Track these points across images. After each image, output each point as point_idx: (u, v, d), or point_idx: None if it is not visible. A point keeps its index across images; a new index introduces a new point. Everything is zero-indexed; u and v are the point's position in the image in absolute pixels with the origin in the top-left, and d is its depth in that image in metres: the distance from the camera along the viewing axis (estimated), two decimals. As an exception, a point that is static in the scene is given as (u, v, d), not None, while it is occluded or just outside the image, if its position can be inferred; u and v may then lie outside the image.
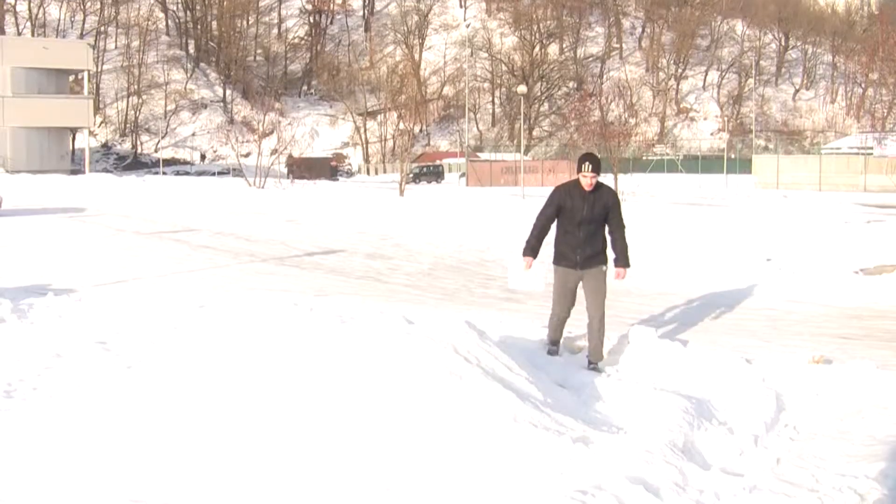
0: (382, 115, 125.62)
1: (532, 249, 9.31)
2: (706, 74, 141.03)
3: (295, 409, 6.49)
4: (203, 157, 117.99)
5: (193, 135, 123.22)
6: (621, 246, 9.25)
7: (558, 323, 9.40)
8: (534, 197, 47.10)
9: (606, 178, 39.32)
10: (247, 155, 66.47)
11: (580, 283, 9.26)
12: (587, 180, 8.96)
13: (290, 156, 61.92)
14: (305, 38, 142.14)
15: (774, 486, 5.90)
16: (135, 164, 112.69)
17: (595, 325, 9.04)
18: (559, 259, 9.28)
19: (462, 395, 6.51)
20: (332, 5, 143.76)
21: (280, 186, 48.96)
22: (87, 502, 5.46)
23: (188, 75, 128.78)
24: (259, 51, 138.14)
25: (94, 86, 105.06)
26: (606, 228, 9.27)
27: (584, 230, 9.09)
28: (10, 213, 27.02)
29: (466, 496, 5.56)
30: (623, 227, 9.30)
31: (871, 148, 70.08)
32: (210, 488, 5.68)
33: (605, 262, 9.26)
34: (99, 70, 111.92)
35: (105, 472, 5.93)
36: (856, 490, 5.69)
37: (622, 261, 9.32)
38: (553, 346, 9.44)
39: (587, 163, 8.98)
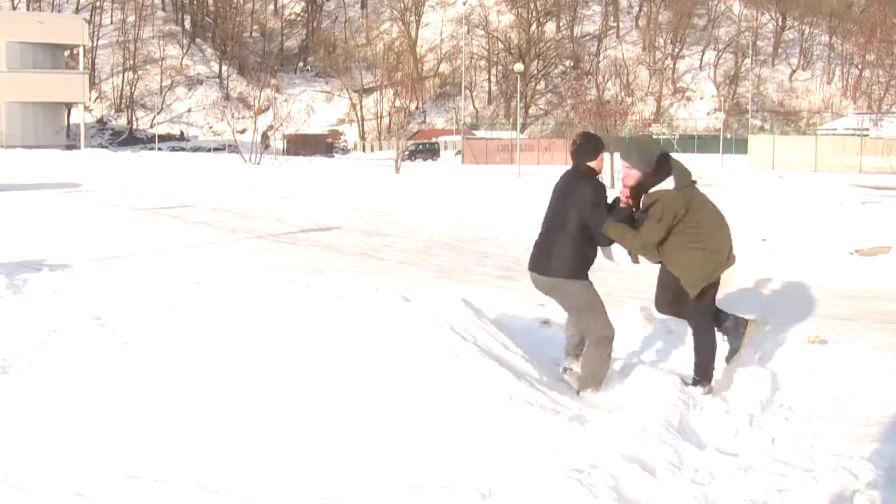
0: (378, 91, 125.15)
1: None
2: (703, 54, 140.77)
3: (291, 386, 6.50)
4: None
5: (189, 111, 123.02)
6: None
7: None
8: (529, 175, 47.09)
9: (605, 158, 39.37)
10: (242, 131, 66.17)
11: None
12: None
13: (265, 134, 61.78)
14: (302, 14, 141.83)
15: (769, 466, 5.91)
16: (130, 139, 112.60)
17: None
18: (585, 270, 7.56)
19: (458, 373, 6.52)
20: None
21: (276, 163, 48.86)
22: (84, 478, 5.46)
23: (184, 51, 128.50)
24: (255, 27, 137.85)
25: (90, 61, 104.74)
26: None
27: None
28: (5, 188, 26.97)
29: (462, 474, 5.57)
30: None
31: (867, 129, 70.11)
32: (206, 463, 5.69)
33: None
34: (94, 45, 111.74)
35: (101, 447, 5.93)
36: (850, 470, 5.70)
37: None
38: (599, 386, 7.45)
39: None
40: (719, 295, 8.08)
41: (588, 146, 7.62)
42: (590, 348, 7.39)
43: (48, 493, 5.23)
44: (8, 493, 5.23)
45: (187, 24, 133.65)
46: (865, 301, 13.02)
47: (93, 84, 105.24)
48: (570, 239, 7.36)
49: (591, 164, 7.58)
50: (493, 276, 14.70)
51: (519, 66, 72.78)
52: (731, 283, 13.86)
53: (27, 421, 6.41)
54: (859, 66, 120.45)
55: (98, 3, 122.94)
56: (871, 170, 62.77)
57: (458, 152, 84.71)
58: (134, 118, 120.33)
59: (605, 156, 7.85)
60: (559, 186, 7.64)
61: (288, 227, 20.65)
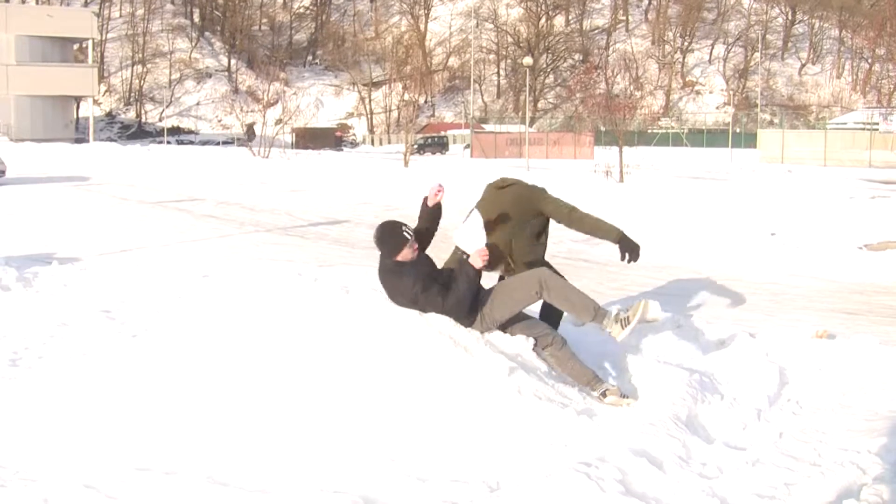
0: (387, 85, 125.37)
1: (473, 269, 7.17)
2: (712, 48, 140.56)
3: (300, 379, 6.51)
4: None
5: (198, 104, 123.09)
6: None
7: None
8: (538, 169, 47.06)
9: (611, 151, 39.34)
10: (252, 125, 66.24)
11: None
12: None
13: (250, 127, 62.01)
14: (311, 7, 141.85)
15: (777, 460, 5.92)
16: (139, 133, 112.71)
17: None
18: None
19: (467, 367, 6.52)
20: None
21: (284, 156, 48.90)
22: (93, 470, 5.49)
23: (193, 44, 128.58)
24: (264, 20, 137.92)
25: (99, 54, 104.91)
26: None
27: None
28: (15, 181, 27.05)
29: (470, 467, 5.58)
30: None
31: (877, 123, 69.99)
32: (215, 455, 5.71)
33: None
34: (103, 38, 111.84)
35: (110, 440, 5.95)
36: (858, 464, 5.70)
37: None
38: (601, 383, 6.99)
39: (404, 230, 7.06)
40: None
41: (386, 242, 7.02)
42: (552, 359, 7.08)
43: (58, 486, 5.25)
44: (18, 485, 5.26)
45: (196, 18, 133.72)
46: (874, 296, 13.00)
47: (102, 77, 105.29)
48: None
49: (399, 258, 6.99)
50: (501, 270, 14.68)
51: (528, 60, 72.83)
52: (740, 278, 13.88)
53: (37, 413, 6.43)
54: (869, 61, 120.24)
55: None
56: (880, 164, 62.66)
57: (467, 146, 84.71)
58: (143, 112, 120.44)
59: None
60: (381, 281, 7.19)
61: (296, 221, 20.67)
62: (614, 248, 7.53)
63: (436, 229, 7.48)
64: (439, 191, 7.37)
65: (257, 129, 60.00)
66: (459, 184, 32.88)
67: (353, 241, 17.66)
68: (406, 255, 6.93)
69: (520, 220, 7.70)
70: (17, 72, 69.64)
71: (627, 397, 6.81)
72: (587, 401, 6.70)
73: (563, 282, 6.92)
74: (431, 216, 7.43)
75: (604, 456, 5.62)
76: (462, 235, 7.11)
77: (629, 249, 7.56)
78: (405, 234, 6.93)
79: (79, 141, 71.59)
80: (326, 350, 6.76)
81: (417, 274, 6.89)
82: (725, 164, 59.96)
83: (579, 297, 6.86)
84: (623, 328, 6.85)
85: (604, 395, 6.76)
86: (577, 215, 7.68)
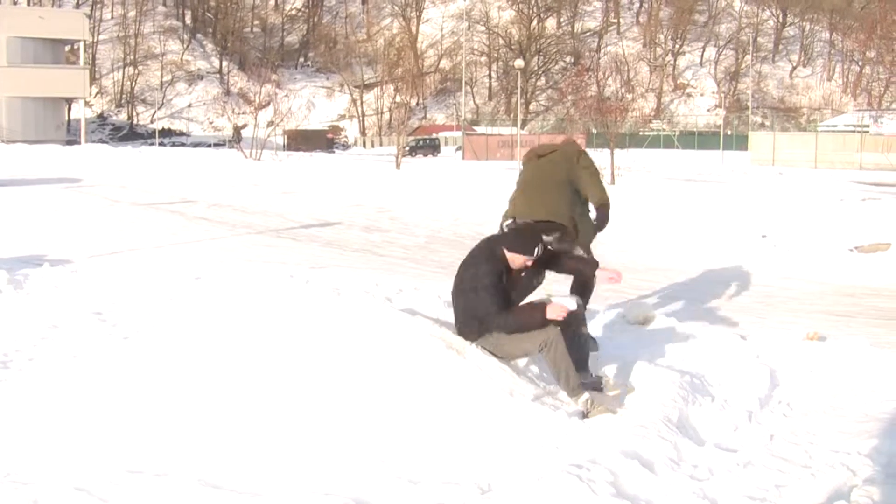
0: (379, 87, 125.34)
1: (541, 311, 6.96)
2: (703, 50, 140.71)
3: (291, 381, 6.51)
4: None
5: (189, 106, 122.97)
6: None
7: (565, 348, 6.89)
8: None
9: (603, 154, 39.33)
10: (243, 126, 66.19)
11: None
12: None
13: (236, 128, 61.89)
14: (302, 9, 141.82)
15: (768, 462, 5.93)
16: (131, 134, 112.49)
17: None
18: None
19: (459, 369, 6.54)
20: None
21: (276, 158, 48.88)
22: (85, 473, 5.48)
23: (185, 46, 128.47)
24: (256, 22, 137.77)
25: (90, 56, 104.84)
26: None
27: None
28: (6, 183, 26.99)
29: (462, 469, 5.59)
30: None
31: (868, 126, 70.10)
32: (207, 458, 5.71)
33: None
34: (95, 40, 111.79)
35: (102, 442, 5.95)
36: (848, 466, 5.72)
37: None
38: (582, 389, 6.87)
39: (539, 245, 7.02)
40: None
41: (518, 237, 7.13)
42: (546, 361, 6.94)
43: (49, 488, 5.24)
44: (9, 488, 5.25)
45: (188, 20, 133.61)
46: (865, 298, 13.04)
47: (93, 79, 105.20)
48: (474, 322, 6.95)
49: (511, 254, 6.92)
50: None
51: (519, 62, 72.91)
52: (732, 281, 13.91)
53: (28, 416, 6.42)
54: (860, 63, 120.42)
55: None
56: (871, 166, 62.79)
57: (459, 148, 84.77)
58: (134, 113, 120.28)
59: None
60: (464, 265, 7.12)
61: (288, 223, 20.66)
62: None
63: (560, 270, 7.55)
64: (612, 279, 7.49)
65: (248, 132, 59.90)
66: (451, 186, 32.96)
67: (344, 244, 17.65)
68: (516, 261, 6.90)
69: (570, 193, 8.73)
70: (9, 73, 69.54)
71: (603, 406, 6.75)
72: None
73: (563, 351, 6.78)
74: (573, 274, 7.79)
75: (595, 458, 5.63)
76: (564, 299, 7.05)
77: (600, 220, 8.82)
78: (535, 249, 6.89)
79: (70, 143, 71.50)
80: (318, 352, 6.77)
81: (498, 275, 6.86)
82: (717, 167, 60.04)
83: (568, 371, 6.77)
84: (584, 412, 6.73)
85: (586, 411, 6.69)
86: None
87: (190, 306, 9.92)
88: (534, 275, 7.16)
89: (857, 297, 13.13)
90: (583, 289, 8.37)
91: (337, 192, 29.84)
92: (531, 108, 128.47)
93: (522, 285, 7.09)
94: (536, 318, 6.73)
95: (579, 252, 8.49)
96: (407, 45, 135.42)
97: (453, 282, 7.12)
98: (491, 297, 6.76)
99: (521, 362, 6.99)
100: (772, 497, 5.41)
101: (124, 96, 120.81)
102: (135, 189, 27.94)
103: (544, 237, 7.18)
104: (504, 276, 6.90)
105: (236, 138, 59.70)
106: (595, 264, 7.76)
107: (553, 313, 6.67)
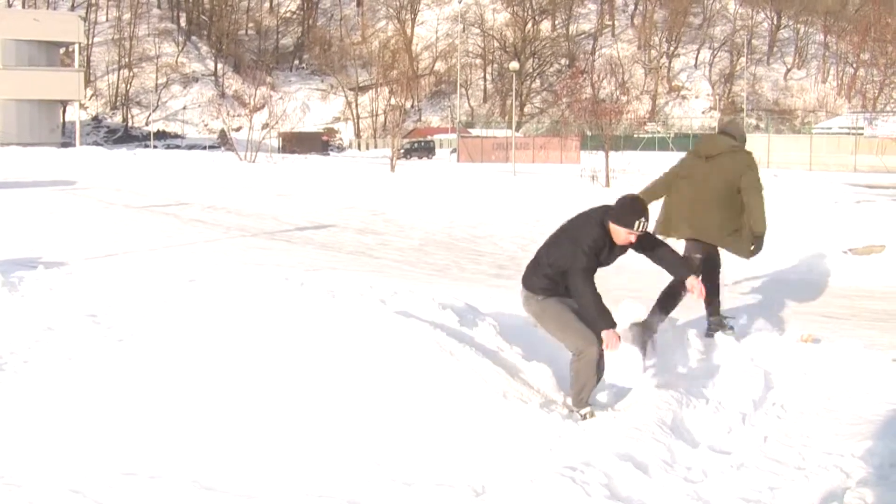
0: (374, 90, 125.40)
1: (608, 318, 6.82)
2: (698, 52, 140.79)
3: (285, 383, 6.52)
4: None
5: (184, 108, 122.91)
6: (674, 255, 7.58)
7: (596, 366, 6.86)
8: (524, 173, 47.10)
9: (598, 156, 39.36)
10: (238, 129, 66.18)
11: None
12: (629, 238, 6.93)
13: (222, 132, 61.99)
14: (297, 11, 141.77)
15: (762, 464, 5.95)
16: (125, 137, 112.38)
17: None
18: (551, 291, 7.07)
19: (453, 371, 6.54)
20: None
21: (271, 161, 48.87)
22: (79, 475, 5.49)
23: (179, 48, 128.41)
24: (251, 24, 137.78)
25: (85, 58, 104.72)
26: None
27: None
28: (0, 185, 26.95)
29: (456, 471, 5.60)
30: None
31: (862, 128, 70.18)
32: (201, 460, 5.71)
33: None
34: (90, 42, 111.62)
35: (96, 444, 5.95)
36: (842, 468, 5.74)
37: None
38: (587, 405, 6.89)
39: (644, 220, 6.90)
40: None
41: (622, 209, 6.91)
42: (572, 363, 6.98)
43: (44, 491, 5.25)
44: (4, 490, 5.25)
45: (183, 22, 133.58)
46: (859, 300, 13.05)
47: (88, 82, 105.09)
48: (551, 270, 7.04)
49: (614, 225, 6.89)
50: (487, 274, 14.71)
51: (514, 65, 72.99)
52: (725, 282, 13.91)
53: (23, 418, 6.43)
54: (854, 65, 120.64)
55: (93, 1, 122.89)
56: (865, 169, 62.83)
57: (454, 150, 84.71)
58: (129, 116, 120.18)
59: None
60: (573, 218, 7.20)
61: (283, 225, 20.65)
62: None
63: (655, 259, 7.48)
64: (693, 290, 7.41)
65: (243, 134, 59.85)
66: (446, 188, 32.95)
67: (339, 246, 17.65)
68: (619, 235, 6.89)
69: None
70: (3, 75, 69.37)
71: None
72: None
73: (592, 368, 6.78)
74: (667, 269, 7.58)
75: (589, 460, 5.64)
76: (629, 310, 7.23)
77: (758, 248, 9.26)
78: (637, 223, 6.82)
79: (65, 145, 71.41)
80: (313, 354, 6.78)
81: (601, 244, 6.88)
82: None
83: (586, 385, 6.79)
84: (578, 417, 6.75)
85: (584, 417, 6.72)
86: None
87: (184, 309, 9.91)
88: (619, 251, 7.13)
89: (851, 299, 13.13)
90: (670, 300, 8.44)
91: (331, 194, 29.82)
92: (526, 110, 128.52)
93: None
94: (599, 324, 6.73)
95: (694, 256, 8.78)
96: (402, 47, 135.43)
97: (552, 233, 7.18)
98: (586, 258, 6.78)
99: (515, 365, 7.00)
100: (765, 499, 5.42)
101: (119, 99, 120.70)
102: (129, 191, 27.92)
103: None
104: (605, 249, 6.93)
105: (223, 141, 59.74)
106: (693, 269, 7.75)
107: (610, 343, 6.67)
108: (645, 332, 7.75)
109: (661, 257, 7.41)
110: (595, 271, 6.90)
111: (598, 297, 6.76)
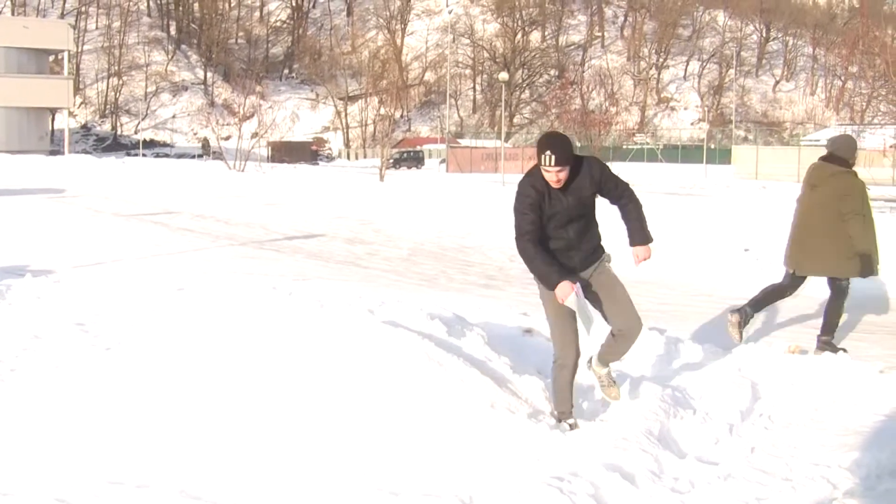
0: (363, 99, 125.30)
1: (558, 272, 6.38)
2: (687, 64, 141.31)
3: (273, 393, 6.51)
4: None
5: (174, 117, 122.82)
6: (636, 215, 6.92)
7: (569, 376, 6.74)
8: (513, 184, 47.13)
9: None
10: (227, 138, 66.19)
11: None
12: (552, 176, 6.40)
13: (205, 140, 62.03)
14: (287, 21, 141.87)
15: (749, 475, 5.95)
16: (114, 145, 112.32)
17: (634, 334, 6.88)
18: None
19: (440, 381, 6.54)
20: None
21: (260, 170, 48.86)
22: (66, 484, 5.47)
23: (169, 57, 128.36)
24: (241, 33, 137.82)
25: (75, 66, 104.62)
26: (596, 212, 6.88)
27: (573, 227, 6.66)
28: (-11, 193, 26.91)
29: (443, 481, 5.59)
30: (630, 190, 6.90)
31: (850, 140, 70.41)
32: (188, 469, 5.70)
33: (604, 250, 7.04)
34: (79, 50, 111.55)
35: (83, 453, 5.93)
36: (829, 479, 5.75)
37: (640, 236, 7.02)
38: (566, 416, 6.74)
39: (548, 153, 6.35)
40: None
41: (536, 149, 6.53)
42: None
43: (30, 500, 5.23)
44: (-11, 499, 5.24)
45: (173, 31, 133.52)
46: (846, 312, 13.07)
47: (77, 89, 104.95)
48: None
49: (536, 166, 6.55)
50: (476, 284, 14.71)
51: (504, 75, 73.07)
52: (714, 293, 13.94)
53: (9, 426, 6.40)
54: (842, 78, 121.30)
55: (83, 9, 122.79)
56: (853, 181, 62.91)
57: (443, 160, 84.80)
58: (118, 124, 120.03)
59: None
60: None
61: (272, 235, 20.64)
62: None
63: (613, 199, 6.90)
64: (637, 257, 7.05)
65: (233, 143, 59.82)
66: (435, 198, 32.96)
67: (328, 255, 17.64)
68: (548, 173, 6.40)
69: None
70: (-7, 83, 69.42)
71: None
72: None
73: (565, 380, 6.62)
74: (627, 231, 7.01)
75: (576, 470, 5.64)
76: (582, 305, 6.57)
77: (864, 271, 9.50)
78: (543, 157, 6.37)
79: (54, 153, 71.38)
80: (300, 364, 6.77)
81: (534, 200, 6.45)
82: (700, 180, 60.18)
83: (557, 396, 6.75)
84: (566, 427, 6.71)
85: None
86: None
87: (172, 318, 9.90)
88: (570, 198, 6.56)
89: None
90: (770, 297, 9.84)
91: (320, 203, 29.82)
92: (515, 120, 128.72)
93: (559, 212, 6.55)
94: (548, 286, 6.41)
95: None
96: (392, 57, 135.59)
97: None
98: (527, 219, 6.40)
99: (503, 375, 7.00)
100: (752, 510, 5.43)
101: (108, 107, 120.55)
102: (118, 200, 27.90)
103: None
104: (546, 198, 6.47)
105: (206, 150, 59.80)
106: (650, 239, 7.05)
107: (562, 293, 6.30)
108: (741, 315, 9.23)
109: (624, 215, 6.94)
110: (544, 228, 6.49)
111: (544, 258, 6.39)
